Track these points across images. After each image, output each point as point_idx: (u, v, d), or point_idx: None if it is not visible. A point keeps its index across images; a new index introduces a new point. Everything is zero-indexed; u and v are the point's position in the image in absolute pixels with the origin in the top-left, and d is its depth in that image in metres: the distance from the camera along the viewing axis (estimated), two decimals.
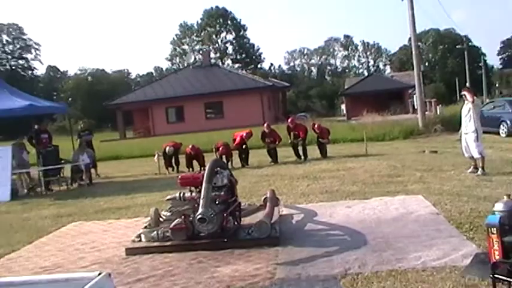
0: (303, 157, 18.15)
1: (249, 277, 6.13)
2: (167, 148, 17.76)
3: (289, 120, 19.84)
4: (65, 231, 9.84)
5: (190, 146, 17.53)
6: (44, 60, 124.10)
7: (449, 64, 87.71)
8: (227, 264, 6.73)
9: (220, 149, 17.56)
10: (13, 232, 10.20)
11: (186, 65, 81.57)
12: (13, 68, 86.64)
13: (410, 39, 32.39)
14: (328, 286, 5.64)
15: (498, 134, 22.09)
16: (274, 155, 18.15)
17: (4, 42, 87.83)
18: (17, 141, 16.67)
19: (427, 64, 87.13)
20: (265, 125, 19.55)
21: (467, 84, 63.78)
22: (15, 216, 12.02)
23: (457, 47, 79.88)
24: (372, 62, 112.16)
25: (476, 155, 12.27)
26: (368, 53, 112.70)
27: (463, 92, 12.93)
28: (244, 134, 18.28)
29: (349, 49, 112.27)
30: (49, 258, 7.98)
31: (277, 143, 18.56)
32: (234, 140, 18.44)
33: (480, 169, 12.14)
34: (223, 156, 16.69)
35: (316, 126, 19.49)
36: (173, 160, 17.96)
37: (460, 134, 12.77)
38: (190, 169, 16.81)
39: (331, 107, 77.22)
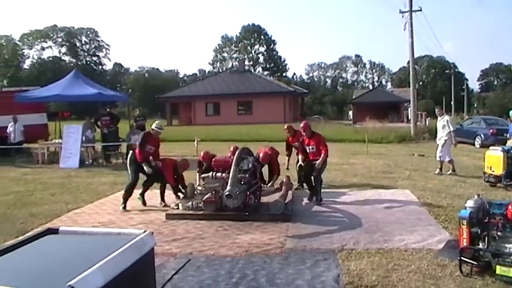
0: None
1: (264, 245, 6.16)
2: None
3: (302, 124, 9.51)
4: (119, 196, 9.90)
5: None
6: (112, 58, 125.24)
7: (438, 85, 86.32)
8: (247, 233, 6.77)
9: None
10: (79, 193, 10.38)
11: (224, 69, 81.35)
12: (87, 63, 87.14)
13: (408, 62, 31.94)
14: (327, 257, 5.64)
15: (474, 145, 21.79)
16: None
17: (83, 42, 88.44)
18: (86, 121, 16.82)
19: (420, 83, 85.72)
20: (262, 156, 9.02)
21: (452, 103, 63.56)
22: (81, 180, 12.19)
23: (445, 71, 78.98)
24: (376, 78, 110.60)
25: (438, 159, 12.64)
26: (373, 71, 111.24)
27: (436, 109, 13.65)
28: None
29: (359, 66, 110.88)
30: (105, 215, 8.11)
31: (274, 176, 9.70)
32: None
33: (438, 169, 12.46)
34: None
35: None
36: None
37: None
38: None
39: (340, 112, 76.48)
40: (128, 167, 8.78)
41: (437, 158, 12.61)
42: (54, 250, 3.27)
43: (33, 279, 2.65)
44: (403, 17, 28.14)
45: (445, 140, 12.41)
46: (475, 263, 4.96)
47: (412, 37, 27.96)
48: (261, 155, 9.01)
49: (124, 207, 8.46)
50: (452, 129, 12.42)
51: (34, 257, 3.08)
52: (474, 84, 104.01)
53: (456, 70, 79.96)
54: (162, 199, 8.82)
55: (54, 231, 3.52)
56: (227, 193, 7.30)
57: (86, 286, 2.40)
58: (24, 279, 2.56)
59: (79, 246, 3.37)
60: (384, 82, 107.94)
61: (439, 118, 13.01)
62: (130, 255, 2.94)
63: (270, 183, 9.46)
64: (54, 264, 2.97)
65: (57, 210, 8.55)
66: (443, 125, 12.54)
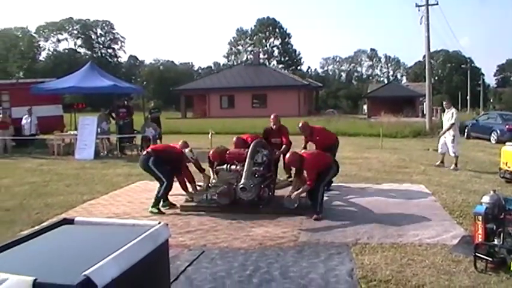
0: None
1: (278, 238, 6.17)
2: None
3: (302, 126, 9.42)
4: (133, 187, 10.04)
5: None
6: (127, 51, 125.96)
7: (454, 80, 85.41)
8: (260, 226, 6.77)
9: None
10: (94, 184, 10.47)
11: (239, 62, 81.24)
12: (103, 55, 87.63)
13: (424, 56, 31.66)
14: (341, 251, 5.62)
15: (489, 140, 21.55)
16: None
17: (98, 34, 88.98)
18: (101, 113, 16.93)
19: (436, 78, 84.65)
20: (272, 117, 9.75)
21: (468, 98, 62.92)
22: (96, 171, 12.29)
23: (461, 66, 77.99)
24: (391, 72, 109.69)
25: (452, 154, 12.45)
26: (389, 65, 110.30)
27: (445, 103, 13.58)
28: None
29: (374, 60, 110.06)
30: (120, 207, 8.17)
31: (284, 146, 9.25)
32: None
33: (453, 165, 12.27)
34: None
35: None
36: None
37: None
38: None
39: (355, 106, 75.95)
40: (155, 170, 7.92)
41: (452, 154, 12.46)
42: (69, 240, 3.30)
43: (49, 268, 2.67)
44: (419, 10, 27.90)
45: (453, 135, 12.32)
46: (490, 259, 4.91)
47: (428, 31, 27.69)
48: (272, 116, 9.57)
49: (159, 209, 7.73)
50: (453, 121, 12.34)
51: (50, 247, 3.10)
52: (490, 80, 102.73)
53: (472, 65, 78.99)
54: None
55: (69, 221, 3.54)
56: (241, 186, 7.30)
57: (101, 276, 2.41)
58: (40, 269, 2.58)
59: (94, 236, 3.39)
60: (399, 76, 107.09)
61: (446, 111, 12.90)
62: (145, 246, 2.95)
63: (282, 149, 9.17)
64: (69, 254, 2.99)
65: (72, 201, 8.64)
66: (449, 117, 12.47)
